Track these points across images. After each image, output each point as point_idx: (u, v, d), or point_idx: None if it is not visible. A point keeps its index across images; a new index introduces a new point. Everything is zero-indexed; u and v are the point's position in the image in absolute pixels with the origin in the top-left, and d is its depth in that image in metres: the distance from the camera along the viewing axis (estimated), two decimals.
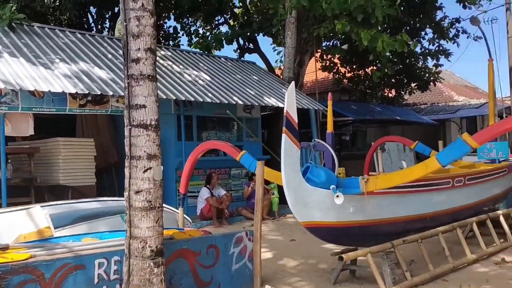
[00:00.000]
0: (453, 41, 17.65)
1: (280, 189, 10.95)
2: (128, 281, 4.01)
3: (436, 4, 17.13)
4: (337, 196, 4.61)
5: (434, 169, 4.62)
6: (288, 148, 4.51)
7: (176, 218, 6.38)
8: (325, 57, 18.60)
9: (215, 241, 5.02)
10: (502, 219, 7.37)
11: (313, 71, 17.19)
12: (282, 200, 11.08)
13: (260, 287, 5.25)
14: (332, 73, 19.41)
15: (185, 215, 6.60)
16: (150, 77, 4.19)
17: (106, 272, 4.09)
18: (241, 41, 17.37)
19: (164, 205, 4.41)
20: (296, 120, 4.60)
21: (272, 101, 11.75)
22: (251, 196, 10.62)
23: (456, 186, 6.54)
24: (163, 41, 18.50)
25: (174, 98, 9.62)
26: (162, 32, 19.31)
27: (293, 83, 4.72)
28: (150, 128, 4.15)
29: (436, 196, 6.22)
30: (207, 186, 10.32)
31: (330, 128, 6.78)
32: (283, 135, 4.49)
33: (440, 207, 6.27)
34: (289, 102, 4.54)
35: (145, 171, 4.11)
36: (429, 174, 5.02)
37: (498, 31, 34.76)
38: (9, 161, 9.18)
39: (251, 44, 17.58)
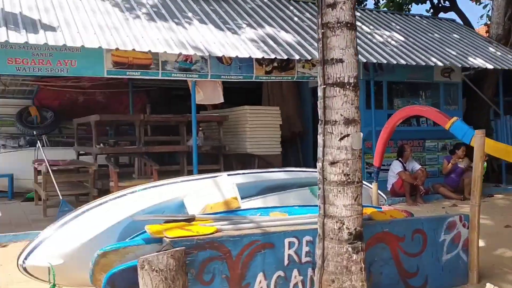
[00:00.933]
0: None
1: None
2: (323, 266, 3.40)
3: None
4: None
5: None
6: None
7: (370, 194, 5.60)
8: None
9: (422, 225, 4.14)
10: None
11: None
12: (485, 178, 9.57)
13: (477, 284, 4.26)
14: None
15: (379, 191, 5.81)
16: (349, 25, 3.43)
17: (297, 253, 3.53)
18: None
19: None
20: None
21: (478, 62, 10.05)
22: (450, 172, 9.37)
23: None
24: None
25: (365, 61, 8.74)
26: None
27: None
28: (348, 87, 3.42)
29: None
30: (399, 159, 9.28)
31: None
32: None
33: None
34: None
35: (341, 138, 3.42)
36: None
37: None
38: (201, 129, 9.45)
39: (446, 2, 15.64)
